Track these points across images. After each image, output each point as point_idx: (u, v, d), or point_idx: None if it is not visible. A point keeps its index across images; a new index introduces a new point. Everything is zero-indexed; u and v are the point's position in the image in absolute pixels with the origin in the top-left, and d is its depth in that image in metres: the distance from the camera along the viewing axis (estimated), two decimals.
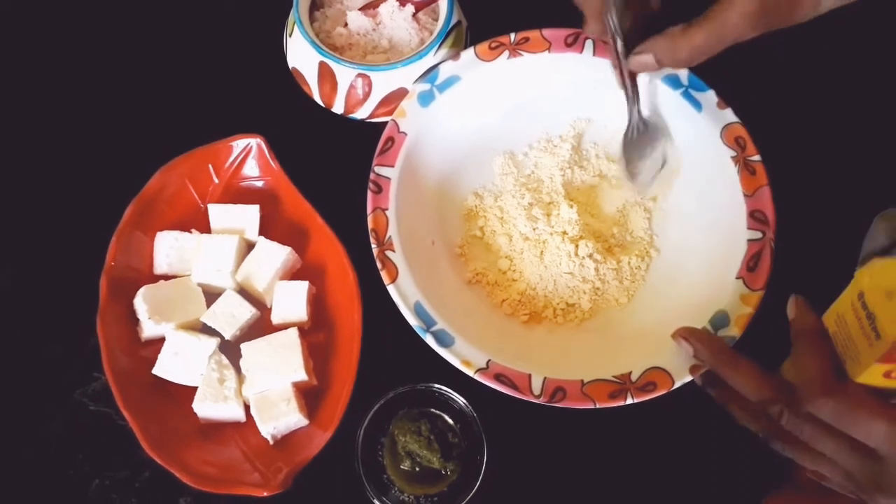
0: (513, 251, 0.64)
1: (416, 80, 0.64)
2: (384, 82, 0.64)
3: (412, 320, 0.56)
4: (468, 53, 0.65)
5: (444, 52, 0.65)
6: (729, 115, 0.62)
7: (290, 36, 0.67)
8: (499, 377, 0.55)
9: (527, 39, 0.65)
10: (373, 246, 0.59)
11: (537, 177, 0.67)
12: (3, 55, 0.74)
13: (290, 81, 0.68)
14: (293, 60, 0.67)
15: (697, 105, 0.62)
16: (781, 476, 0.56)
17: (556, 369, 0.55)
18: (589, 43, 0.65)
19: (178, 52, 0.74)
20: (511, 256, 0.64)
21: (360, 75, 0.64)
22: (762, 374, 0.49)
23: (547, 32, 0.65)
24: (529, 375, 0.55)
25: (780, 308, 0.54)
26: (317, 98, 0.67)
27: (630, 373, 0.55)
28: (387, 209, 0.60)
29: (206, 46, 0.74)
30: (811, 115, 0.70)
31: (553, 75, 0.66)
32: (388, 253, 0.59)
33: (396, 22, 0.67)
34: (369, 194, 0.60)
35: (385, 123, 0.65)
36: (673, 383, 0.54)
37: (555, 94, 0.67)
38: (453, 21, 0.65)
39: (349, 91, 0.65)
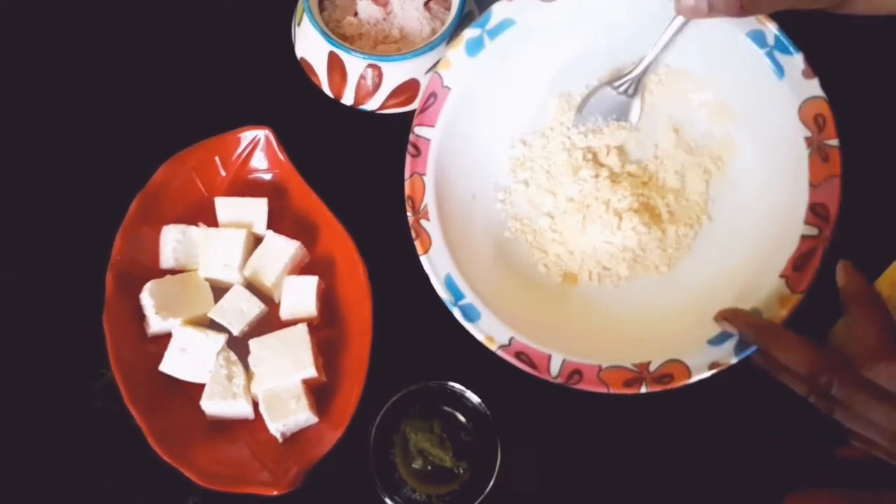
0: (555, 209, 0.62)
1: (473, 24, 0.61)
2: (395, 73, 0.63)
3: (442, 293, 0.56)
4: None
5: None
6: (814, 87, 0.55)
7: (299, 25, 0.66)
8: (519, 355, 0.54)
9: None
10: (408, 214, 0.58)
11: (593, 128, 0.63)
12: (7, 48, 0.73)
13: (299, 72, 0.67)
14: (302, 50, 0.66)
15: (780, 70, 0.56)
16: (803, 474, 0.55)
17: (577, 350, 0.55)
18: None
19: (185, 43, 0.73)
20: (553, 215, 0.62)
21: (370, 66, 0.62)
22: (809, 347, 0.48)
23: None
24: (549, 356, 0.54)
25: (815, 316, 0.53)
26: (326, 89, 0.65)
27: (649, 362, 0.54)
28: (424, 174, 0.58)
29: (213, 37, 0.73)
30: None
31: (621, 17, 0.61)
32: (423, 222, 0.57)
33: (408, 11, 0.66)
34: (407, 157, 0.58)
35: (396, 115, 0.64)
36: (690, 377, 0.53)
37: (622, 38, 0.61)
38: (465, 10, 0.64)
39: (359, 82, 0.63)
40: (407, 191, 0.58)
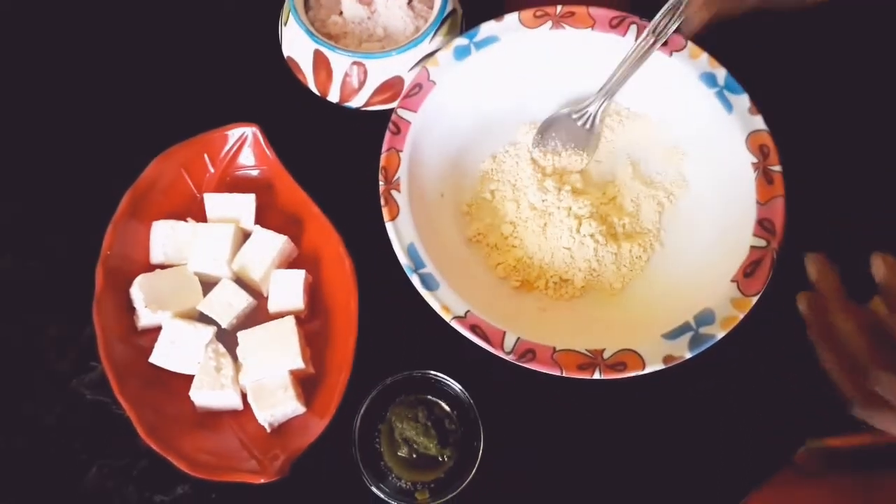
0: (518, 218, 0.64)
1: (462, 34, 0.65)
2: (379, 70, 0.64)
3: (403, 259, 0.57)
4: (511, 17, 0.65)
5: (439, 39, 0.65)
6: (758, 122, 0.61)
7: (286, 24, 0.67)
8: (474, 328, 0.55)
9: (572, 14, 0.65)
10: (380, 183, 0.59)
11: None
12: (2, 44, 0.74)
13: (285, 70, 0.68)
14: (288, 49, 0.67)
15: (729, 106, 0.62)
16: (781, 460, 0.56)
17: (533, 333, 0.56)
18: (633, 28, 0.65)
19: (173, 41, 0.74)
20: (515, 223, 0.64)
21: (355, 63, 0.63)
22: (875, 337, 0.46)
23: (593, 10, 0.65)
24: (504, 332, 0.55)
25: (776, 319, 0.55)
26: (312, 87, 0.67)
27: (603, 350, 0.55)
28: (401, 151, 0.61)
29: (201, 35, 0.74)
30: (849, 132, 0.70)
31: (593, 54, 0.66)
32: (394, 192, 0.59)
33: (391, 10, 0.67)
34: (387, 134, 0.61)
35: (381, 112, 0.65)
36: (644, 366, 0.54)
37: (592, 73, 0.66)
38: (448, 9, 0.65)
39: (344, 79, 0.65)
40: (382, 162, 0.60)
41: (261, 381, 0.57)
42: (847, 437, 0.55)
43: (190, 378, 0.57)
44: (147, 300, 0.58)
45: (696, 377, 0.57)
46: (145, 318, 0.59)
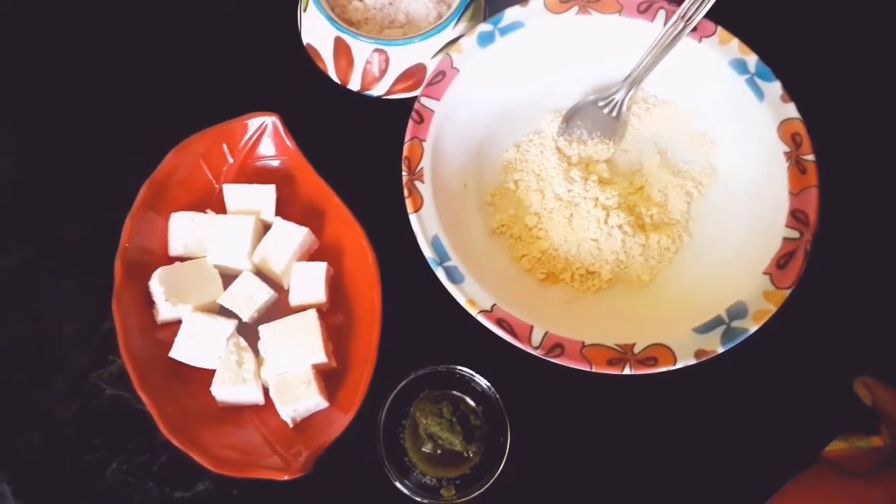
0: (543, 209, 0.63)
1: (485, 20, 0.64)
2: (401, 58, 0.63)
3: (427, 252, 0.56)
4: (537, 2, 0.64)
5: (462, 25, 0.64)
6: (790, 110, 0.60)
7: (305, 10, 0.65)
8: (501, 322, 0.54)
9: None
10: (403, 173, 0.58)
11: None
12: (14, 37, 0.73)
13: (305, 58, 0.67)
14: (308, 36, 0.66)
15: (760, 94, 0.60)
16: (810, 455, 0.55)
17: (560, 327, 0.55)
18: (661, 13, 0.63)
19: (191, 29, 0.73)
20: (540, 214, 0.63)
21: (376, 50, 0.62)
22: None
23: None
24: (532, 326, 0.54)
25: (808, 312, 0.55)
26: (332, 75, 0.65)
27: (633, 344, 0.54)
28: (424, 140, 0.60)
29: (219, 23, 0.73)
30: (885, 123, 0.68)
31: (620, 40, 0.64)
32: (417, 183, 0.58)
33: None
34: (410, 123, 0.60)
35: (403, 101, 0.64)
36: (675, 361, 0.53)
37: (619, 59, 0.65)
38: None
39: (365, 67, 0.63)
40: (405, 152, 0.59)
41: (283, 375, 0.56)
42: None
43: (210, 373, 0.56)
44: (167, 293, 0.57)
45: (724, 371, 0.56)
46: (165, 312, 0.58)
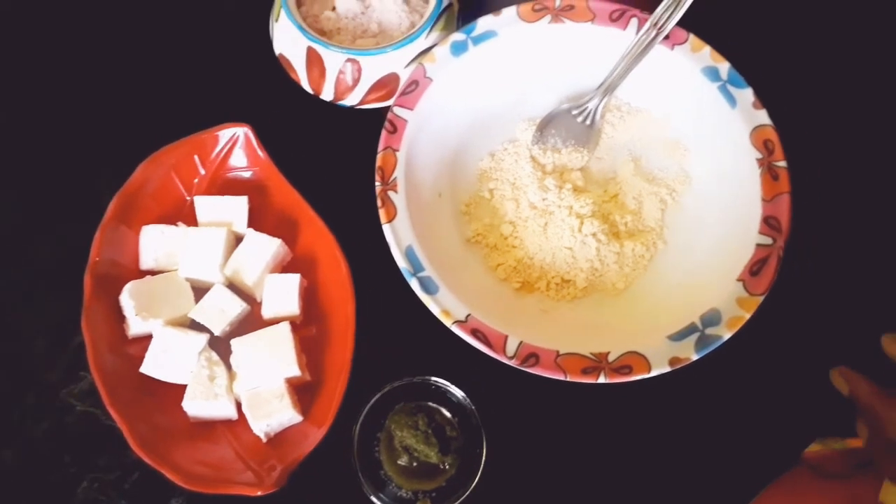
0: (518, 217, 0.63)
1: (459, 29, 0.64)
2: (374, 67, 0.62)
3: (401, 262, 0.56)
4: (509, 11, 0.64)
5: (435, 35, 0.64)
6: (762, 117, 0.60)
7: (277, 21, 0.65)
8: (475, 332, 0.54)
9: (572, 7, 0.64)
10: (376, 184, 0.58)
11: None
12: None
13: (277, 68, 0.66)
14: (280, 46, 0.65)
15: (732, 101, 0.61)
16: (788, 459, 0.55)
17: (535, 336, 0.55)
18: (634, 21, 0.63)
19: (161, 40, 0.72)
20: (515, 222, 0.63)
21: (349, 60, 0.62)
22: None
23: (593, 4, 0.64)
24: (506, 336, 0.54)
25: (781, 318, 0.55)
26: (305, 85, 0.65)
27: (608, 353, 0.54)
28: (398, 150, 0.59)
29: (190, 34, 0.72)
30: (855, 129, 0.69)
31: (593, 48, 0.65)
32: (391, 193, 0.58)
33: (386, 5, 0.65)
34: (383, 133, 0.59)
35: (376, 111, 0.64)
36: (650, 369, 0.53)
37: (592, 67, 0.65)
38: (445, 3, 0.64)
39: (338, 77, 0.63)
40: (378, 162, 0.59)
41: (256, 389, 0.55)
42: None
43: (182, 388, 0.55)
44: (137, 308, 0.57)
45: (700, 377, 0.56)
46: (136, 327, 0.57)
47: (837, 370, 0.51)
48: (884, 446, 0.48)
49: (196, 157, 0.63)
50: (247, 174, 0.64)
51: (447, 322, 0.54)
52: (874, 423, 0.49)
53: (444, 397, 0.56)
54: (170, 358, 0.56)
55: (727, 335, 0.53)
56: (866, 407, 0.49)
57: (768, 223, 0.57)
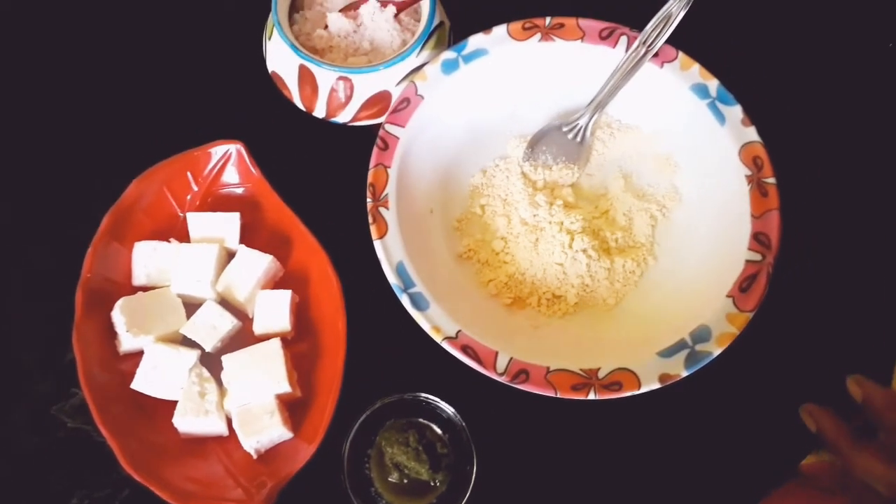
0: (509, 233, 0.63)
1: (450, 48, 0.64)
2: (366, 85, 0.63)
3: (392, 278, 0.56)
4: (500, 29, 0.64)
5: (426, 53, 0.64)
6: (751, 134, 0.60)
7: (270, 39, 0.65)
8: (466, 348, 0.54)
9: (561, 26, 0.65)
10: (367, 200, 0.58)
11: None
12: None
13: (270, 86, 0.67)
14: (273, 64, 0.66)
15: (721, 118, 0.61)
16: (783, 473, 0.55)
17: (526, 353, 0.55)
18: (623, 39, 0.64)
19: (155, 57, 0.73)
20: (506, 238, 0.63)
21: (341, 78, 0.62)
22: (890, 465, 0.47)
23: (583, 22, 0.64)
24: (496, 353, 0.54)
25: (771, 334, 0.55)
26: (297, 102, 0.65)
27: (598, 369, 0.54)
28: (389, 167, 0.60)
29: (184, 51, 0.73)
30: (844, 146, 0.69)
31: (583, 66, 0.65)
32: (382, 209, 0.58)
33: (378, 23, 0.66)
34: (375, 150, 0.60)
35: (368, 128, 0.64)
36: (639, 386, 0.53)
37: (582, 85, 0.65)
38: (436, 21, 0.64)
39: (330, 94, 0.63)
40: (370, 178, 0.59)
41: (246, 406, 0.55)
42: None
43: (173, 404, 0.55)
44: (129, 324, 0.57)
45: (690, 393, 0.56)
46: (127, 343, 0.57)
47: (804, 408, 0.52)
48: (854, 484, 0.48)
49: (189, 174, 0.63)
50: (239, 190, 0.64)
51: (437, 338, 0.54)
52: (842, 462, 0.49)
53: (435, 414, 0.56)
54: (161, 374, 0.56)
55: (717, 351, 0.54)
56: (833, 447, 0.50)
57: (758, 239, 0.57)
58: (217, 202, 0.64)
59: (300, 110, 0.66)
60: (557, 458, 0.58)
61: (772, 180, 0.59)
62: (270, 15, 0.64)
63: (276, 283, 0.62)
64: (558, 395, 0.53)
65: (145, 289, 0.60)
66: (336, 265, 0.59)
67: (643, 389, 0.53)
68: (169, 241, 0.61)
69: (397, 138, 0.61)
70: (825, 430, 0.50)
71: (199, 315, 0.58)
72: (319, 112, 0.65)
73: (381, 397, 0.55)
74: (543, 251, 0.62)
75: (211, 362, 0.57)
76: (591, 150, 0.66)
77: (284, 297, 0.59)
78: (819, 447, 0.54)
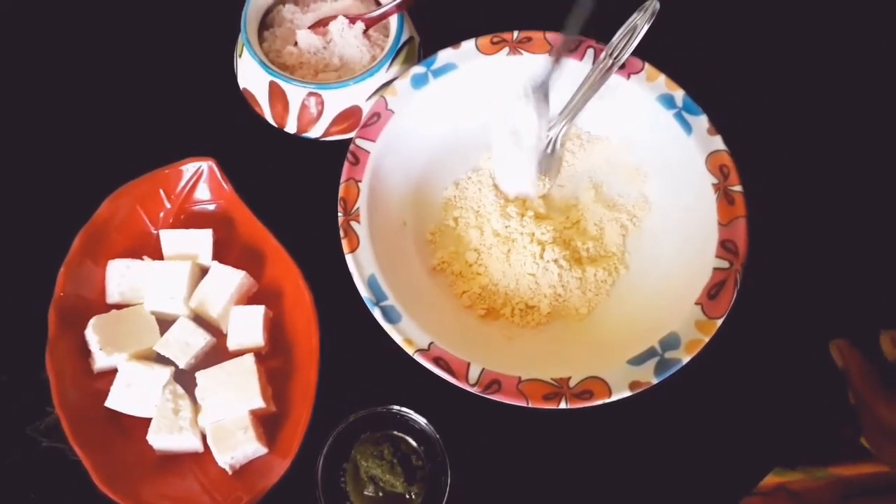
0: (482, 245, 0.64)
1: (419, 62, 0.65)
2: (336, 100, 0.63)
3: (363, 292, 0.57)
4: (468, 44, 0.65)
5: (396, 68, 0.65)
6: (717, 143, 0.61)
7: (240, 56, 0.66)
8: (438, 360, 0.55)
9: (529, 39, 0.66)
10: (339, 214, 0.59)
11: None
12: None
13: (242, 102, 0.67)
14: (244, 81, 0.66)
15: (688, 128, 0.62)
16: (750, 483, 0.55)
17: (497, 363, 0.55)
18: (590, 52, 0.65)
19: (127, 75, 0.73)
20: (479, 250, 0.64)
21: (311, 94, 0.63)
22: None
23: (550, 36, 0.65)
24: (468, 364, 0.55)
25: (741, 340, 0.56)
26: (269, 118, 0.66)
27: (569, 378, 0.54)
28: (360, 181, 0.60)
29: (156, 69, 0.73)
30: (810, 153, 0.70)
31: (551, 79, 0.65)
32: (353, 223, 0.59)
33: (347, 39, 0.66)
34: (345, 164, 0.61)
35: (340, 142, 0.65)
36: (610, 394, 0.53)
37: (550, 96, 0.64)
38: (404, 37, 0.65)
39: (301, 110, 0.64)
40: (341, 193, 0.60)
41: (220, 422, 0.55)
42: (857, 465, 0.54)
43: (148, 422, 0.55)
44: (102, 342, 0.57)
45: (662, 400, 0.56)
46: (101, 361, 0.57)
47: (836, 343, 0.52)
48: (876, 430, 0.48)
49: (161, 191, 0.63)
50: (212, 207, 0.65)
51: (409, 350, 0.55)
52: (863, 405, 0.49)
53: (409, 426, 0.57)
54: (135, 392, 0.56)
55: (686, 359, 0.54)
56: (856, 389, 0.50)
57: (725, 247, 0.58)
58: (190, 219, 0.64)
59: (272, 126, 0.66)
60: (531, 468, 0.58)
61: (738, 188, 0.60)
62: (241, 33, 0.65)
63: (250, 299, 0.62)
64: (530, 405, 0.53)
65: (119, 306, 0.60)
66: (309, 280, 0.60)
67: (614, 397, 0.53)
68: (142, 259, 0.61)
69: (368, 153, 0.61)
70: (851, 370, 0.50)
71: (172, 332, 0.58)
72: (291, 128, 0.65)
73: (354, 411, 0.56)
74: (515, 262, 0.62)
75: (185, 379, 0.58)
76: (562, 162, 0.67)
77: (258, 312, 0.59)
78: (782, 467, 0.55)
